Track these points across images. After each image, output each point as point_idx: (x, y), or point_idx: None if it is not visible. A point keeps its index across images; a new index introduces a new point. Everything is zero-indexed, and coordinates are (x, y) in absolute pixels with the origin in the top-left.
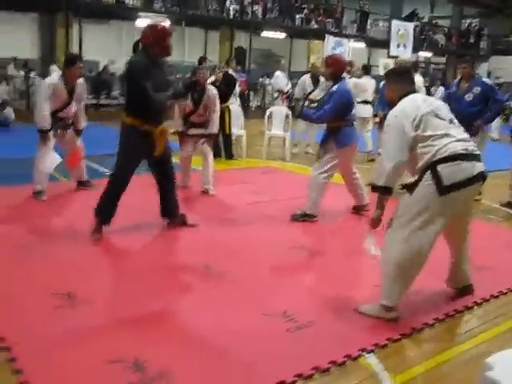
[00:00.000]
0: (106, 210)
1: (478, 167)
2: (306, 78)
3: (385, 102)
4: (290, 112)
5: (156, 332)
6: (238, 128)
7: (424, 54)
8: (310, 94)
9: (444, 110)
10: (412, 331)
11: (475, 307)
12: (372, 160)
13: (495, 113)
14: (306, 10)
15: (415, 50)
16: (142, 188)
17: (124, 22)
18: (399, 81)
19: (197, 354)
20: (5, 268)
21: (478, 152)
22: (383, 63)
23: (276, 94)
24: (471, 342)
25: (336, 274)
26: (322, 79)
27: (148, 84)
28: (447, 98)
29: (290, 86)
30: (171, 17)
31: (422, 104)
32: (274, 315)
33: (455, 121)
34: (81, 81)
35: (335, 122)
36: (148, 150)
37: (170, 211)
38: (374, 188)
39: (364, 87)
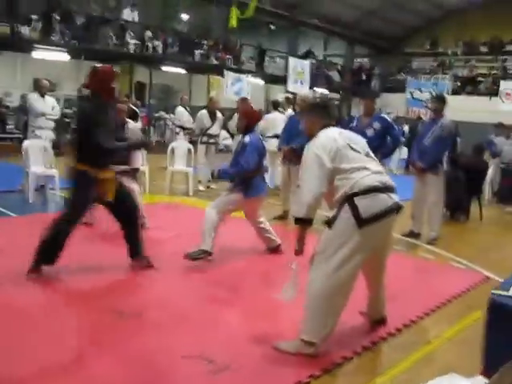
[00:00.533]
0: (51, 250)
1: (394, 198)
2: (204, 113)
3: (290, 136)
4: (192, 147)
5: None
6: (138, 163)
7: (320, 90)
8: (208, 129)
9: (360, 143)
10: (333, 366)
11: (389, 338)
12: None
13: (393, 148)
14: (205, 46)
15: (312, 86)
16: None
17: (19, 53)
18: (320, 113)
19: None
20: None
21: (392, 184)
22: (283, 98)
23: (178, 130)
24: (390, 372)
25: (252, 310)
26: (219, 114)
27: (105, 132)
28: None
29: (191, 121)
30: (70, 51)
31: (338, 137)
32: (193, 358)
33: (371, 154)
34: None
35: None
36: (99, 194)
37: (137, 252)
38: (296, 220)
39: (274, 122)
